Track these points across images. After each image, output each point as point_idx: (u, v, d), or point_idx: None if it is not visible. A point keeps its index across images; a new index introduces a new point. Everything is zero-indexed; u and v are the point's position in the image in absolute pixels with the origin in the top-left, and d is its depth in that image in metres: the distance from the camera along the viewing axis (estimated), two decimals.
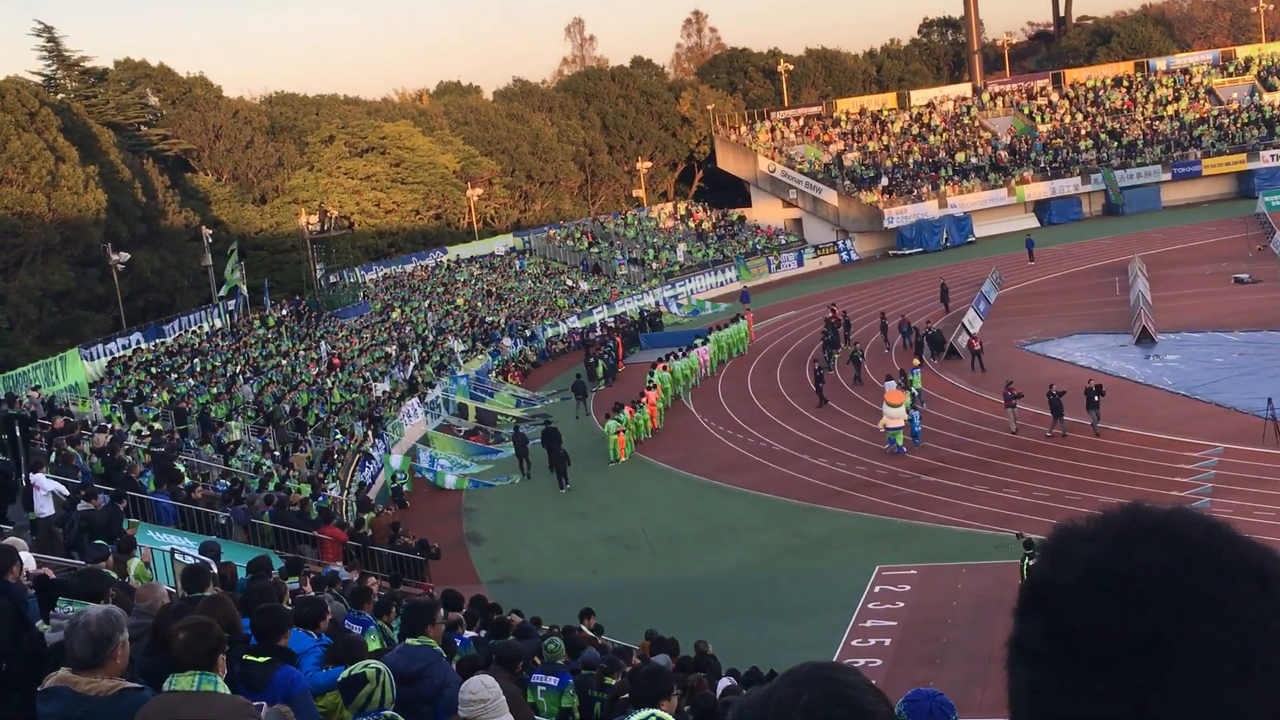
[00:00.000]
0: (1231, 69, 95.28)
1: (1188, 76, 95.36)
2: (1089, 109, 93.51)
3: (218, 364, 48.69)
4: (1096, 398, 34.44)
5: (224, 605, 8.24)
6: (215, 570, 15.87)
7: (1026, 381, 40.90)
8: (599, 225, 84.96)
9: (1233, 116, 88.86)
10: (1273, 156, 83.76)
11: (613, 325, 63.86)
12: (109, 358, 46.94)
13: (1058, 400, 35.80)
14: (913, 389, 39.00)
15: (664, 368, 47.22)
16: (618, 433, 40.56)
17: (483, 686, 6.75)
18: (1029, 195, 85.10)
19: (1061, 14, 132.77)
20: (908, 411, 37.07)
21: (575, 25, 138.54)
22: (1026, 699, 1.33)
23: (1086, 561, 1.31)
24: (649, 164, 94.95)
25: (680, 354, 49.89)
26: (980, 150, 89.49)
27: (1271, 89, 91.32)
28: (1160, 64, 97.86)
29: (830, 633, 23.73)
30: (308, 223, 66.30)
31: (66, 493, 20.53)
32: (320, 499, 30.30)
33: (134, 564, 14.48)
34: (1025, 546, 26.25)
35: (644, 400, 43.66)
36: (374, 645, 11.26)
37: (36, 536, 17.89)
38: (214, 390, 44.08)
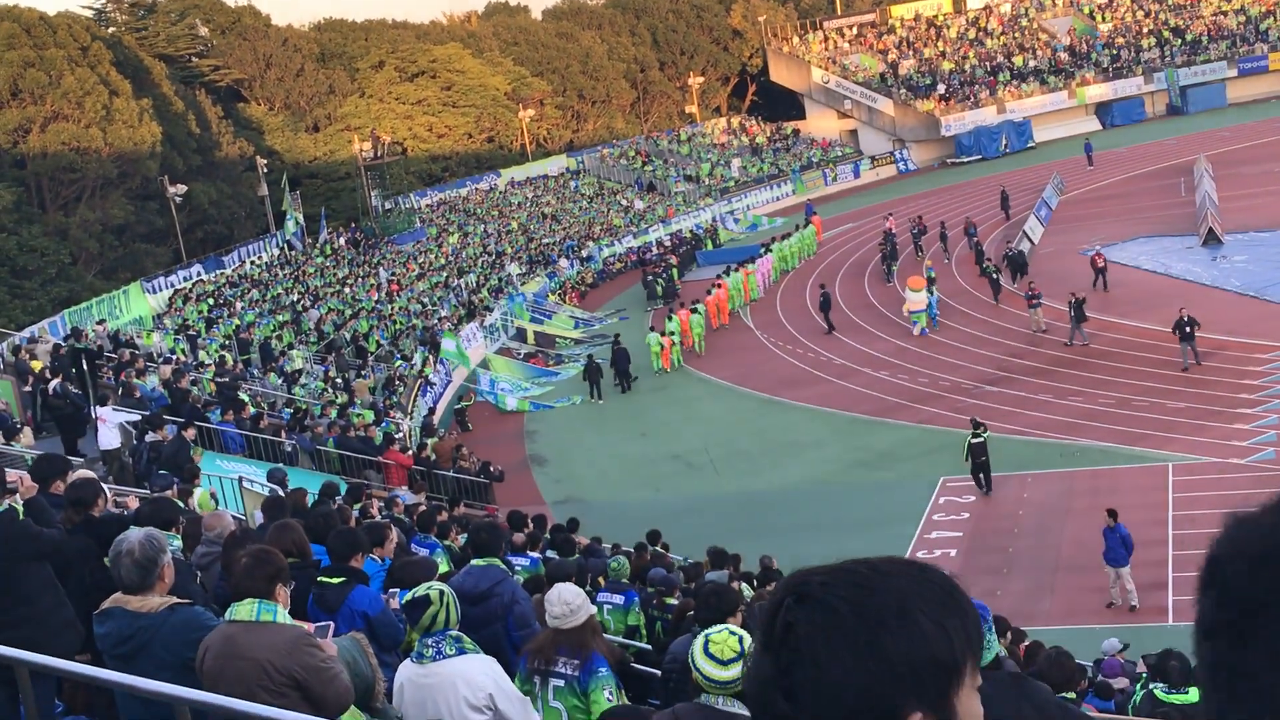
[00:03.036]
0: None
1: None
2: (1150, 6, 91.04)
3: (278, 293, 49.05)
4: (1189, 329, 31.71)
5: (291, 530, 8.29)
6: (283, 495, 16.06)
7: (1089, 288, 40.35)
8: (652, 143, 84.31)
9: None
10: None
11: (669, 243, 63.55)
12: (170, 290, 47.42)
13: (1079, 306, 35.45)
14: (928, 274, 42.20)
15: (719, 284, 47.60)
16: (662, 343, 41.40)
17: (572, 593, 6.87)
18: (1090, 97, 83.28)
19: None
20: (927, 295, 40.31)
21: None
22: (1209, 673, 1.43)
23: (1250, 538, 1.48)
24: (701, 79, 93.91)
25: (737, 267, 50.23)
26: (1039, 53, 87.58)
27: None
28: None
29: (896, 545, 23.66)
30: (361, 149, 66.30)
31: (132, 426, 20.79)
32: (384, 424, 30.55)
33: (199, 493, 14.65)
34: (973, 425, 26.42)
35: (704, 301, 45.05)
36: (443, 568, 11.33)
37: (106, 468, 18.17)
38: (279, 319, 44.45)
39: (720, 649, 4.61)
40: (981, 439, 26.37)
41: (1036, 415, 30.61)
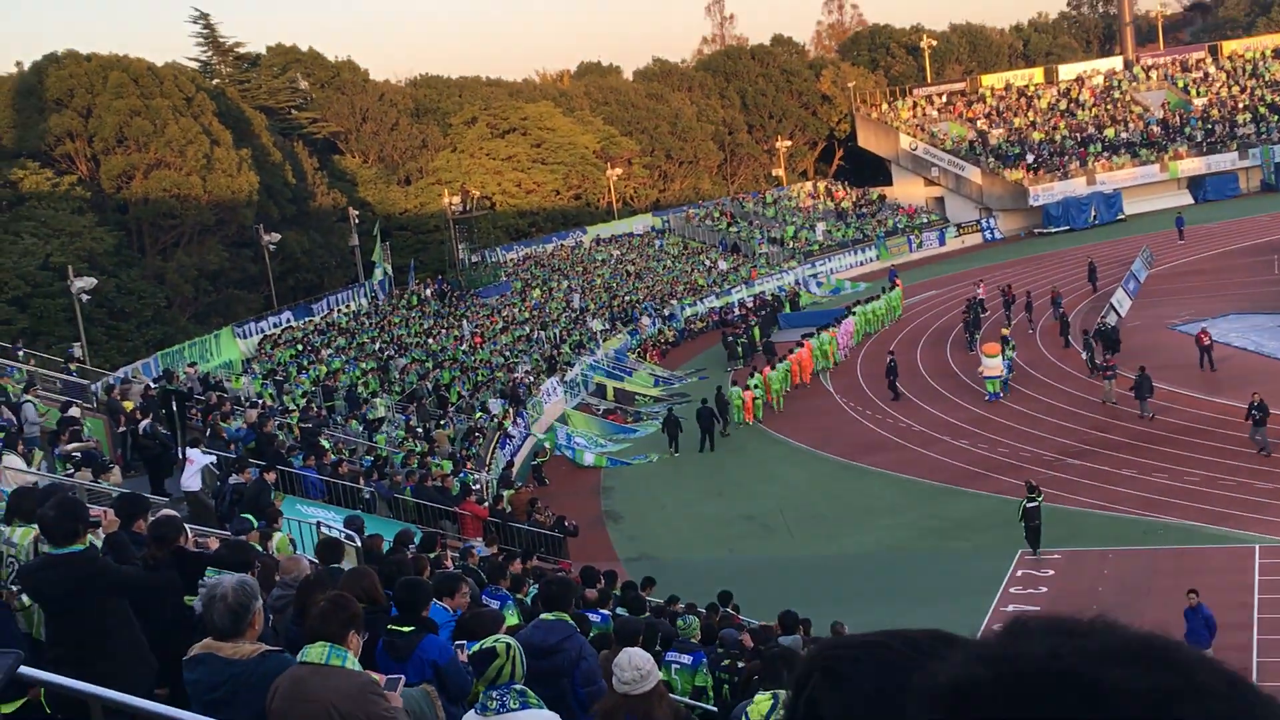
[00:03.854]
0: None
1: None
2: (1247, 81, 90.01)
3: (364, 341, 49.79)
4: (1261, 414, 31.10)
5: (366, 577, 8.44)
6: (359, 543, 16.28)
7: (1180, 363, 39.79)
8: (738, 204, 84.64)
9: None
10: None
11: (751, 305, 63.65)
12: (260, 335, 48.32)
13: (1146, 379, 35.35)
14: (1005, 341, 42.79)
15: (804, 343, 47.98)
16: (744, 397, 42.06)
17: (643, 659, 6.94)
18: (1182, 171, 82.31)
19: None
20: (1003, 362, 40.93)
21: (715, 4, 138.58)
22: None
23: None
24: (788, 143, 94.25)
25: (823, 329, 50.46)
26: (1131, 125, 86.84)
27: None
28: None
29: (971, 617, 23.35)
30: (450, 203, 67.29)
31: (217, 468, 21.17)
32: (462, 475, 30.81)
33: (277, 537, 14.90)
34: (1029, 489, 26.29)
35: (787, 358, 46.13)
36: (512, 620, 11.42)
37: (189, 509, 18.52)
38: (364, 366, 45.10)
39: (755, 712, 4.66)
40: (1036, 503, 26.72)
41: (1119, 490, 30.12)
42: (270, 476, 19.88)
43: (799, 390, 45.48)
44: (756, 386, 43.06)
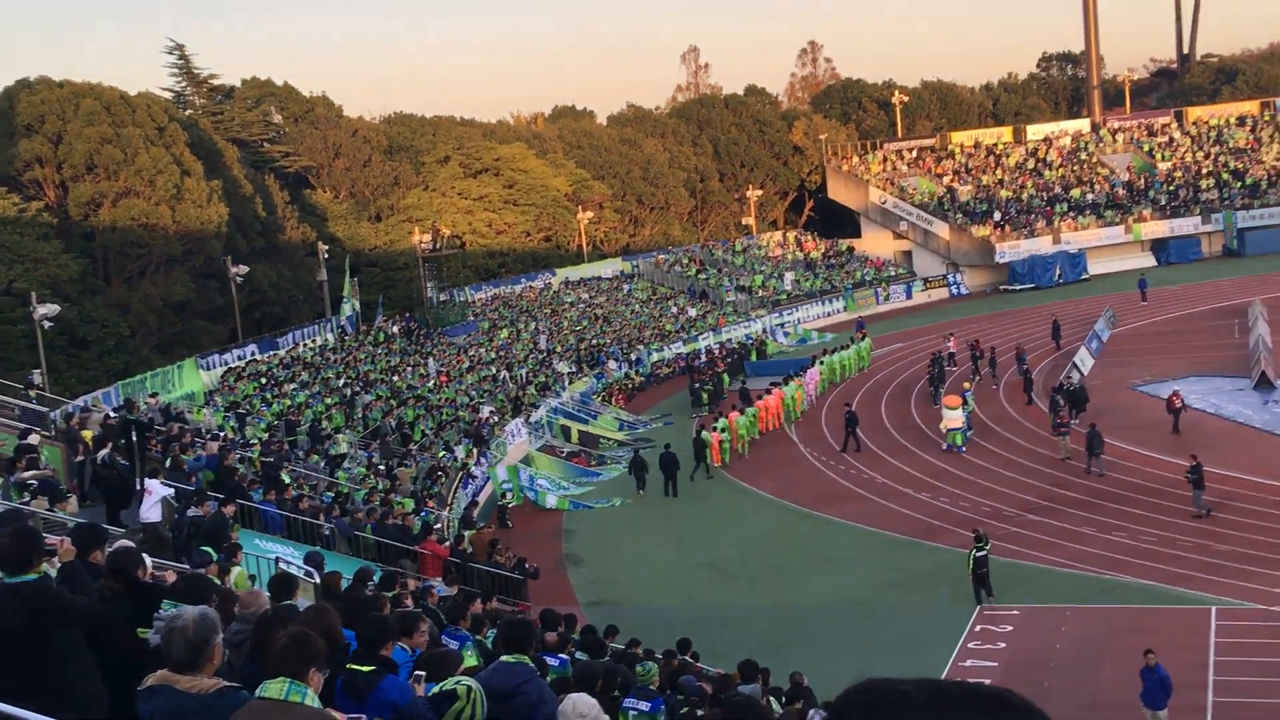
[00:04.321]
0: None
1: None
2: (1211, 148, 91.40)
3: (329, 376, 49.56)
4: (1192, 476, 31.55)
5: (327, 614, 8.35)
6: (317, 580, 16.14)
7: (1140, 423, 40.10)
8: (708, 251, 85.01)
9: None
10: None
11: (717, 352, 63.81)
12: (224, 368, 48.03)
13: (1097, 436, 35.87)
14: (965, 395, 43.22)
15: (773, 390, 48.25)
16: (713, 438, 42.28)
17: (588, 705, 6.83)
18: (1146, 233, 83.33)
19: (1185, 51, 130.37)
20: (963, 414, 41.51)
21: (690, 53, 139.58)
22: None
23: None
24: (759, 192, 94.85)
25: (792, 378, 50.66)
26: (1097, 186, 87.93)
27: None
28: None
29: (929, 670, 23.27)
30: (420, 241, 67.32)
31: (173, 500, 20.99)
32: (423, 514, 30.63)
33: (236, 571, 14.76)
34: (976, 539, 26.97)
35: (755, 404, 46.57)
36: (471, 661, 11.33)
37: (146, 540, 18.32)
38: (328, 401, 44.87)
39: None
40: (985, 552, 27.20)
41: (1078, 548, 30.25)
42: (229, 510, 19.71)
43: (763, 438, 45.57)
44: (723, 430, 43.19)
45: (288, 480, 28.30)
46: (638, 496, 40.26)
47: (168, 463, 24.49)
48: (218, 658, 5.98)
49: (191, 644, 5.83)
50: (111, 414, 30.90)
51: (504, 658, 8.77)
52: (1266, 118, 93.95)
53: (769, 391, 48.37)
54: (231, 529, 19.39)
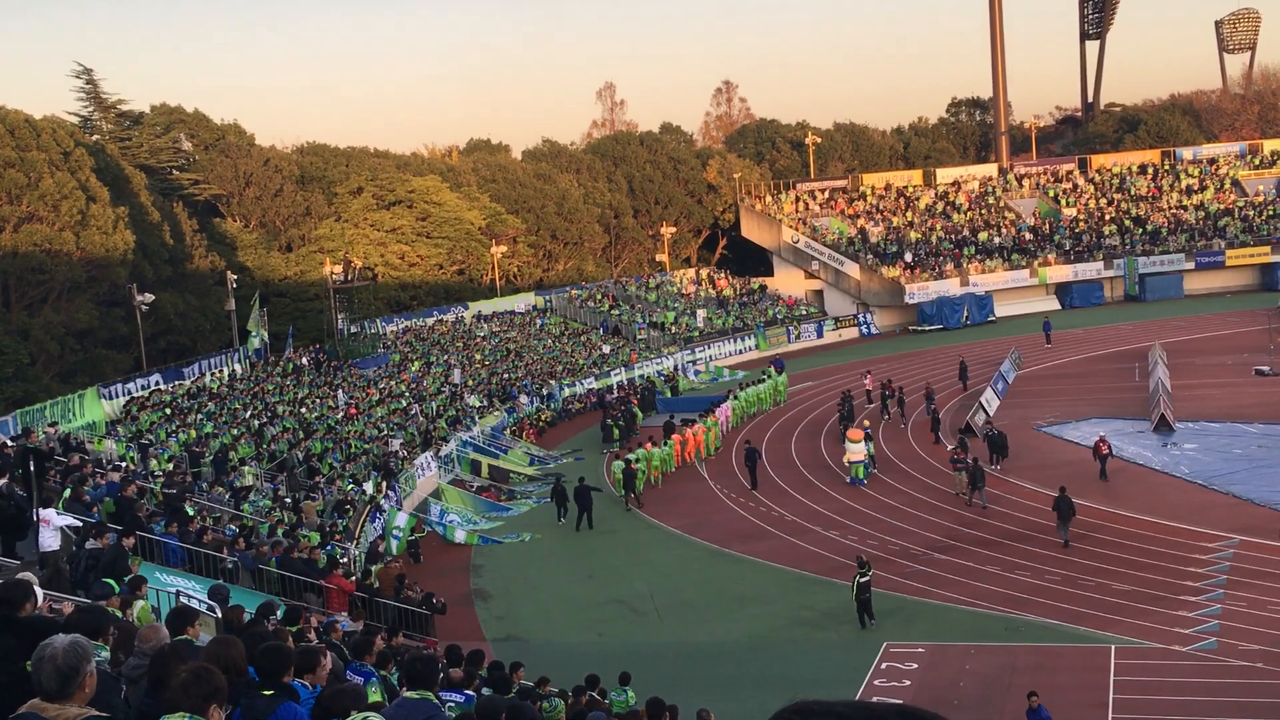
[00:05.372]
0: (1258, 161, 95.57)
1: (1214, 167, 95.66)
2: (1114, 195, 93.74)
3: (237, 408, 48.82)
4: (1066, 509, 33.06)
5: (233, 646, 8.21)
6: (219, 614, 15.86)
7: (1043, 463, 40.76)
8: (621, 287, 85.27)
9: (1258, 209, 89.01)
10: None
11: (628, 388, 63.90)
12: (127, 397, 47.10)
13: (979, 471, 37.28)
14: (866, 429, 44.86)
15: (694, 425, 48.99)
16: (630, 465, 42.74)
17: None
18: (1051, 277, 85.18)
19: (1090, 100, 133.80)
20: (866, 445, 42.58)
21: (606, 89, 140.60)
22: None
23: None
24: (673, 229, 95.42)
25: (707, 413, 51.03)
26: (1004, 230, 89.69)
27: None
28: (1187, 153, 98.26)
29: None
30: (332, 272, 66.72)
31: (75, 530, 20.52)
32: (329, 548, 30.22)
33: (139, 605, 14.45)
34: (859, 564, 28.41)
35: (673, 438, 47.11)
36: (374, 698, 11.19)
37: (44, 572, 17.89)
38: (234, 432, 44.18)
39: None
40: (867, 578, 28.30)
41: (982, 586, 30.63)
42: (129, 542, 19.29)
43: (675, 474, 45.71)
44: (638, 461, 43.50)
45: (191, 512, 27.79)
46: (558, 525, 40.59)
47: (67, 493, 23.93)
48: (90, 687, 5.83)
49: (61, 672, 5.68)
50: (9, 443, 30.15)
51: (407, 694, 8.69)
52: (1166, 166, 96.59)
53: (691, 424, 48.75)
54: (132, 561, 19.00)
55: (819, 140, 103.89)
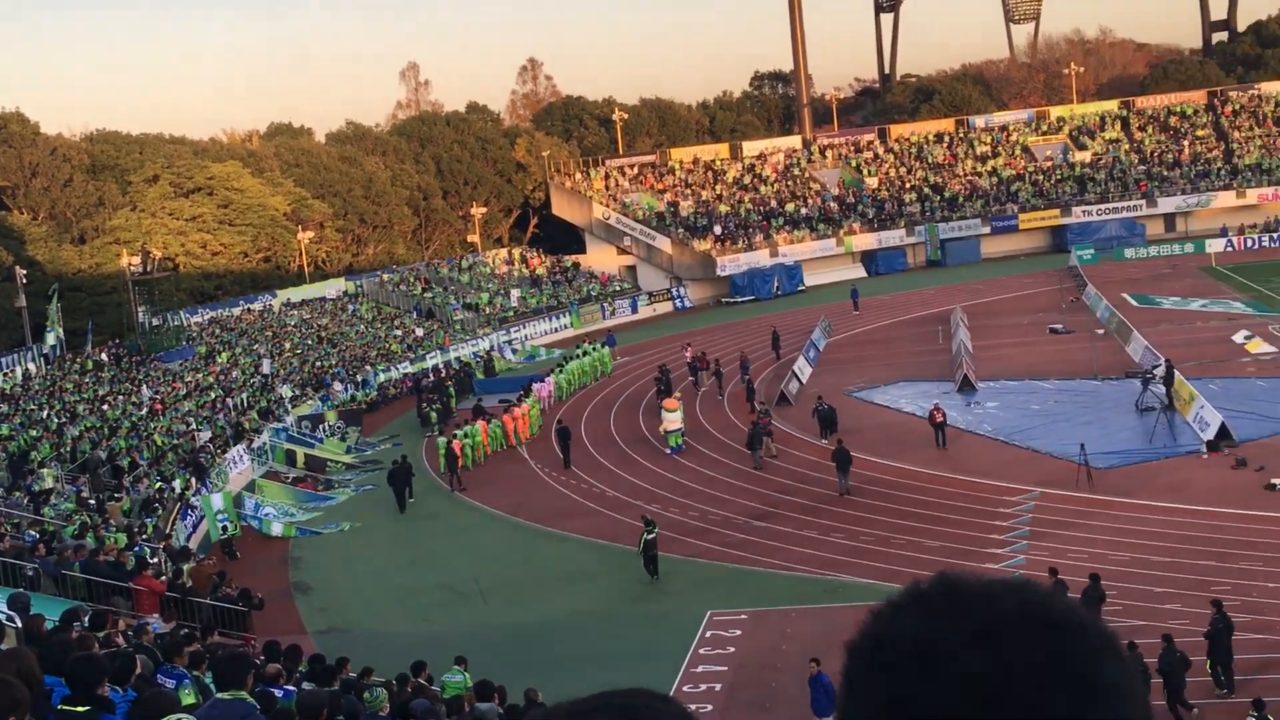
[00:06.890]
0: (1045, 128, 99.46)
1: (1005, 134, 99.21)
2: (913, 163, 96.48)
3: (32, 408, 46.73)
4: (844, 460, 35.59)
5: (24, 658, 7.82)
6: (19, 624, 15.15)
7: (855, 428, 41.79)
8: (433, 270, 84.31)
9: (1047, 173, 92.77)
10: (1084, 212, 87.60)
11: (444, 371, 63.27)
12: None
13: (758, 432, 39.58)
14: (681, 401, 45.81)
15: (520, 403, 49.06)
16: (455, 445, 42.54)
17: None
18: (857, 246, 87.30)
19: (886, 71, 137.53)
20: (680, 417, 43.77)
21: (410, 69, 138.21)
22: None
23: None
24: (484, 209, 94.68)
25: (528, 392, 50.87)
26: (810, 201, 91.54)
27: (1082, 147, 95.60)
28: (979, 121, 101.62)
29: (662, 678, 23.69)
30: (129, 264, 64.32)
31: None
32: (137, 549, 29.17)
33: None
34: (645, 523, 30.66)
35: (502, 417, 47.15)
36: (188, 700, 10.83)
37: None
38: (31, 434, 42.29)
39: None
40: (653, 535, 30.17)
41: (801, 551, 31.30)
42: None
43: (495, 455, 45.52)
44: (465, 437, 43.71)
45: None
46: (391, 513, 40.28)
47: None
48: None
49: None
50: None
51: (219, 695, 8.41)
52: (961, 135, 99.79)
53: (517, 404, 48.71)
54: None
55: (626, 116, 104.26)
